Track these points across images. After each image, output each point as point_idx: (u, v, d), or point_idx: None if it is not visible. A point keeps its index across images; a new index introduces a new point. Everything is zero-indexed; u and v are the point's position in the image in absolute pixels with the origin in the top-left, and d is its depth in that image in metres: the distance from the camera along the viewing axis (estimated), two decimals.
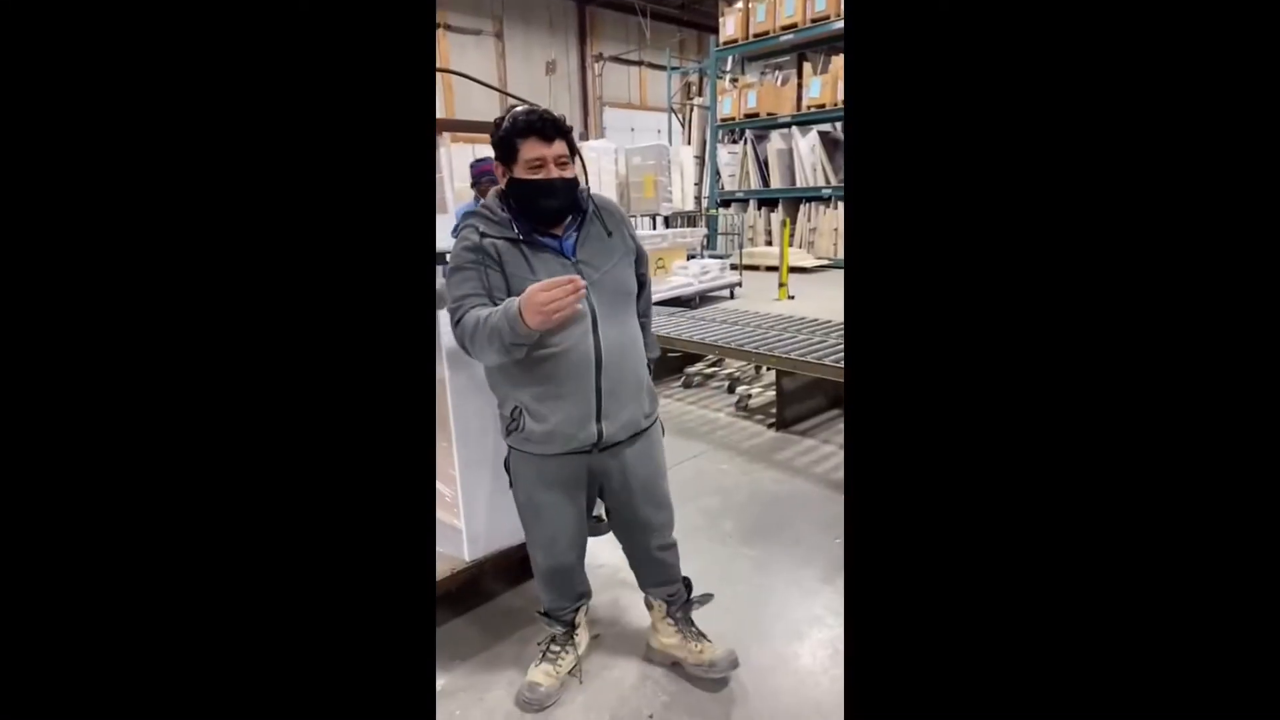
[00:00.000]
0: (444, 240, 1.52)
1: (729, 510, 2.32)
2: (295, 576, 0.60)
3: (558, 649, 1.48)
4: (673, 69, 9.40)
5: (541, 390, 1.27)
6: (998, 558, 0.59)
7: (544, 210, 1.26)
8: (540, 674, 1.44)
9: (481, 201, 1.36)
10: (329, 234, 0.61)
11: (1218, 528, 0.54)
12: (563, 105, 11.20)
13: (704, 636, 1.51)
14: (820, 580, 1.88)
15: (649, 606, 1.55)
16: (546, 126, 1.22)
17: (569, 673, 1.48)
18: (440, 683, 1.52)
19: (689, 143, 8.70)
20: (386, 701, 0.62)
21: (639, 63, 11.95)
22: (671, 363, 4.00)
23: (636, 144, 6.21)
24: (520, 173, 1.23)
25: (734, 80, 8.48)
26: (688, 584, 1.56)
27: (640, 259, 1.42)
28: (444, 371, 1.62)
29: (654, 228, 6.59)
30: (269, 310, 0.60)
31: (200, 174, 0.57)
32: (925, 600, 0.60)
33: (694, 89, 9.55)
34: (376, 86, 0.61)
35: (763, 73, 8.51)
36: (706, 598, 1.58)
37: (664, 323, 3.72)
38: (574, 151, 1.27)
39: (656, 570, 1.50)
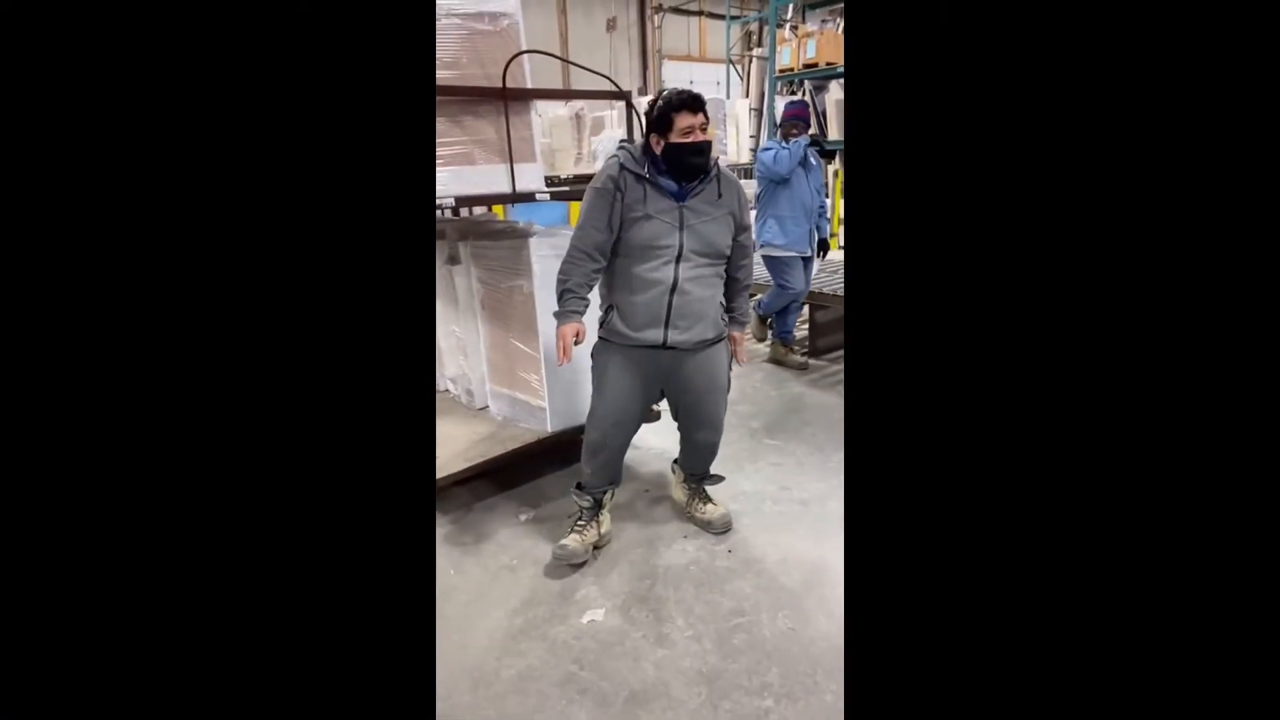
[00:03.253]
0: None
1: (759, 414, 2.77)
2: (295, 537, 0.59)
3: (583, 524, 1.85)
4: (732, 18, 9.40)
5: (630, 297, 1.69)
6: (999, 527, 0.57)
7: (693, 166, 1.63)
8: (570, 540, 1.81)
9: (624, 141, 1.74)
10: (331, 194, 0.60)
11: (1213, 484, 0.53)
12: (621, 60, 11.37)
13: (710, 500, 1.97)
14: (829, 463, 2.32)
15: (673, 471, 2.07)
16: (695, 102, 1.60)
17: (594, 545, 1.85)
18: (531, 513, 2.08)
19: (747, 95, 8.79)
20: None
21: (699, 13, 11.90)
22: None
23: None
24: (675, 138, 1.60)
25: (794, 29, 8.45)
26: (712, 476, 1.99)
27: (741, 229, 1.77)
28: (533, 286, 2.11)
29: None
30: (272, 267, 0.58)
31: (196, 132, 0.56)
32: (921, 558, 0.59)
33: (754, 39, 9.54)
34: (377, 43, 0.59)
35: (824, 21, 8.43)
36: (718, 478, 1.99)
37: None
38: (709, 119, 1.64)
39: (694, 459, 1.95)
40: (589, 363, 1.84)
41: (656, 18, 11.69)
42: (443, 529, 2.01)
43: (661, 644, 1.51)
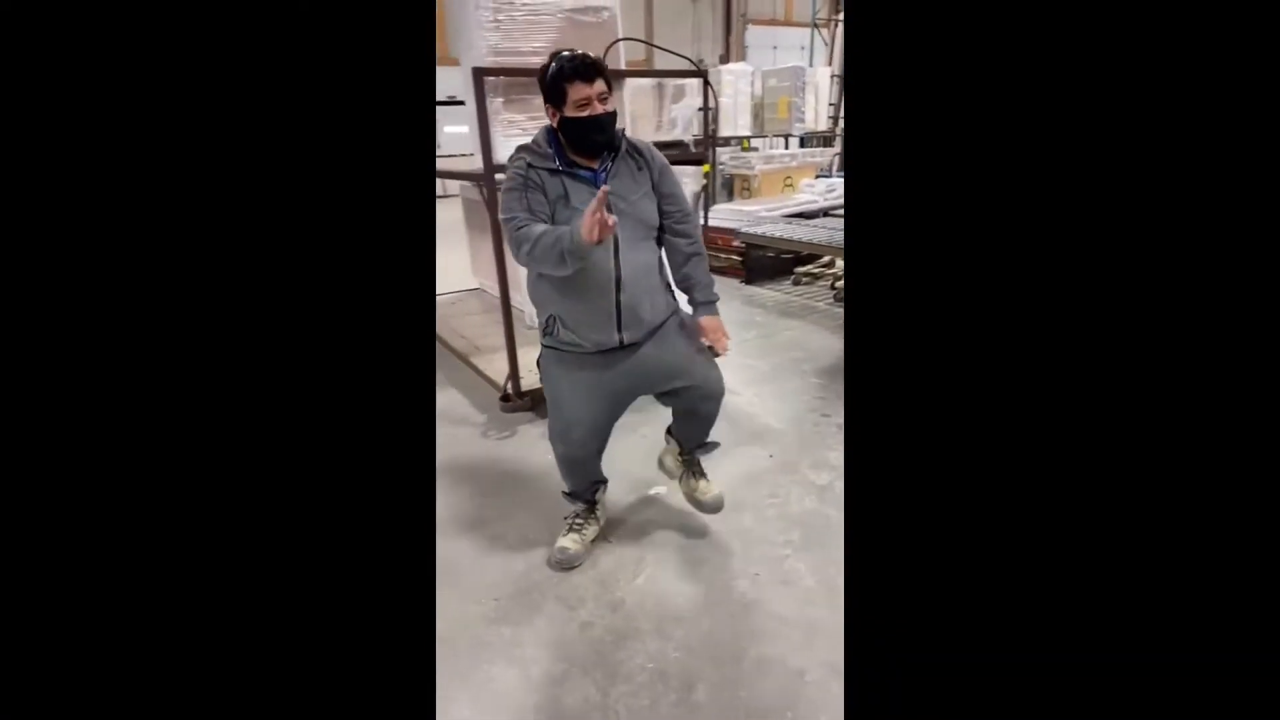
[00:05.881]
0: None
1: (810, 359, 3.12)
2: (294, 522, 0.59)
3: (581, 522, 1.74)
4: None
5: (572, 304, 1.47)
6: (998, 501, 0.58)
7: (595, 144, 1.42)
8: (568, 541, 1.70)
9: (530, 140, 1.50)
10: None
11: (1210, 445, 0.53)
12: (705, 25, 11.44)
13: (704, 476, 1.80)
14: None
15: (667, 440, 1.88)
16: (588, 69, 1.35)
17: (593, 541, 1.75)
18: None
19: (830, 61, 8.75)
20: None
21: None
22: (783, 264, 4.70)
23: (779, 63, 6.58)
24: (570, 112, 1.37)
25: None
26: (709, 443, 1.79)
27: (664, 198, 1.53)
28: None
29: (785, 147, 7.04)
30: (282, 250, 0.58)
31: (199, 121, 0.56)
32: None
33: (840, 2, 9.40)
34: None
35: None
36: (713, 445, 1.80)
37: (782, 229, 4.40)
38: (610, 87, 1.40)
39: (694, 428, 1.74)
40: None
41: None
42: (531, 421, 2.52)
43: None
